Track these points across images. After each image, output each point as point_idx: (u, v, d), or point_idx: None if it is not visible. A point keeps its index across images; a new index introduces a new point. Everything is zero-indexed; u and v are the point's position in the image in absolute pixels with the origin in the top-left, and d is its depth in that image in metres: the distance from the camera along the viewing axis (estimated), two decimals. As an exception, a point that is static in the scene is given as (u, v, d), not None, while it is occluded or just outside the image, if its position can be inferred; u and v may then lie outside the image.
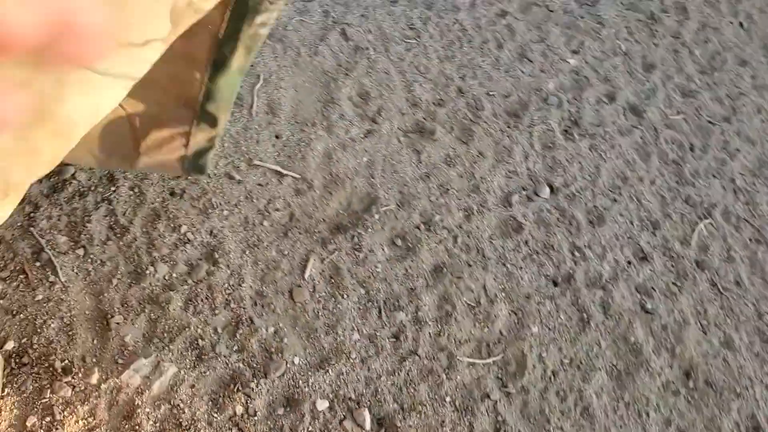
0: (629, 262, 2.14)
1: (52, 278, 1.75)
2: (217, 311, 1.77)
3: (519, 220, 2.15)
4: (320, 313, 1.81)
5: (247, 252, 1.89)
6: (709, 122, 2.70)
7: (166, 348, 1.68)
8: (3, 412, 1.51)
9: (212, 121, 1.55)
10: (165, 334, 1.71)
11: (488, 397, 1.77)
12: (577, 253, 2.11)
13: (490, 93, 2.50)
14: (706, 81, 2.88)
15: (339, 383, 1.72)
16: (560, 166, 2.33)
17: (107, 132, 1.58)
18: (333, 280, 1.88)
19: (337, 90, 2.36)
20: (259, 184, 2.05)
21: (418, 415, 1.70)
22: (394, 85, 2.43)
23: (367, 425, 1.66)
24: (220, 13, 1.27)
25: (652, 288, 2.09)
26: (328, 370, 1.72)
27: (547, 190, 2.26)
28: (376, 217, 2.05)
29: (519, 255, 2.07)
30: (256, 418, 1.62)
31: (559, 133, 2.43)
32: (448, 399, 1.74)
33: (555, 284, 2.03)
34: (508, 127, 2.40)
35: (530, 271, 2.04)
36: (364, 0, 2.70)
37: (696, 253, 2.21)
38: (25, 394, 1.55)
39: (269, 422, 1.62)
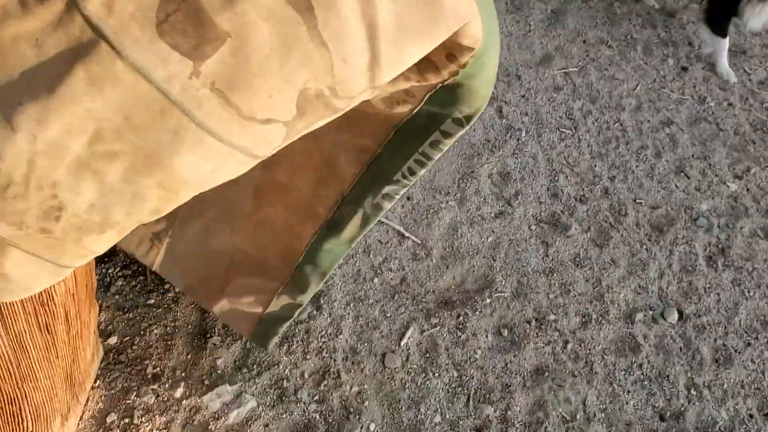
0: (751, 416, 1.94)
1: (167, 286, 1.82)
2: (308, 356, 1.77)
3: (638, 341, 2.01)
4: (407, 385, 1.77)
5: (352, 305, 1.89)
6: None
7: (252, 380, 1.70)
8: (89, 403, 1.58)
9: (302, 287, 1.50)
10: (254, 366, 1.73)
11: None
12: (693, 391, 1.94)
13: (638, 200, 2.38)
14: None
15: (409, 462, 1.66)
16: (696, 293, 2.17)
17: (208, 258, 1.61)
18: (428, 355, 1.84)
19: (479, 165, 2.34)
20: (380, 241, 2.05)
21: None
22: (538, 172, 2.38)
23: None
24: (352, 173, 1.28)
25: (772, 451, 1.88)
26: (401, 446, 1.67)
27: (676, 315, 2.10)
28: (488, 301, 1.99)
29: (630, 377, 1.93)
30: (318, 475, 1.60)
31: (702, 258, 2.27)
32: None
33: (662, 419, 1.87)
34: (649, 240, 2.28)
35: (638, 398, 1.89)
36: (529, 82, 2.68)
37: (832, 425, 1.97)
38: (113, 391, 1.61)
39: (330, 483, 1.59)
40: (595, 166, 2.46)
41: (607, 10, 3.11)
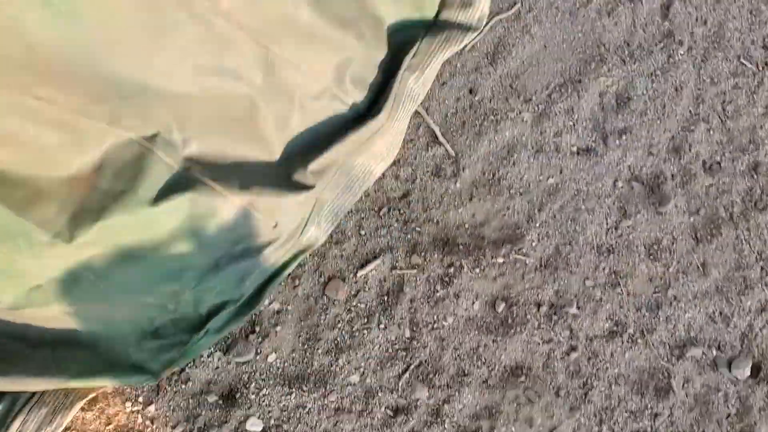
0: None
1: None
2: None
3: (672, 383, 1.50)
4: (339, 325, 1.44)
5: (324, 205, 1.53)
6: None
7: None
8: None
9: None
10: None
11: None
12: None
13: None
14: None
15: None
16: (799, 352, 1.56)
17: None
18: (385, 299, 1.47)
19: (594, 75, 1.73)
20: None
21: None
22: (671, 110, 1.73)
23: None
24: None
25: None
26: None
27: (749, 371, 1.53)
28: (500, 260, 1.54)
29: (633, 424, 1.46)
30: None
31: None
32: None
33: None
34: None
35: None
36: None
37: None
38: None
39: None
40: (762, 127, 1.75)
41: None
